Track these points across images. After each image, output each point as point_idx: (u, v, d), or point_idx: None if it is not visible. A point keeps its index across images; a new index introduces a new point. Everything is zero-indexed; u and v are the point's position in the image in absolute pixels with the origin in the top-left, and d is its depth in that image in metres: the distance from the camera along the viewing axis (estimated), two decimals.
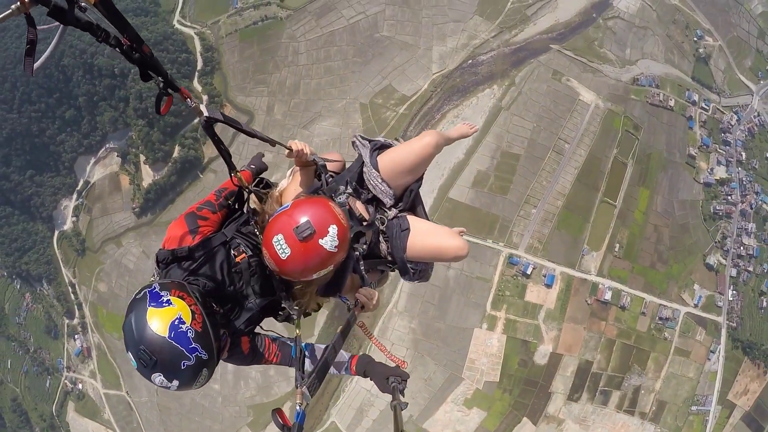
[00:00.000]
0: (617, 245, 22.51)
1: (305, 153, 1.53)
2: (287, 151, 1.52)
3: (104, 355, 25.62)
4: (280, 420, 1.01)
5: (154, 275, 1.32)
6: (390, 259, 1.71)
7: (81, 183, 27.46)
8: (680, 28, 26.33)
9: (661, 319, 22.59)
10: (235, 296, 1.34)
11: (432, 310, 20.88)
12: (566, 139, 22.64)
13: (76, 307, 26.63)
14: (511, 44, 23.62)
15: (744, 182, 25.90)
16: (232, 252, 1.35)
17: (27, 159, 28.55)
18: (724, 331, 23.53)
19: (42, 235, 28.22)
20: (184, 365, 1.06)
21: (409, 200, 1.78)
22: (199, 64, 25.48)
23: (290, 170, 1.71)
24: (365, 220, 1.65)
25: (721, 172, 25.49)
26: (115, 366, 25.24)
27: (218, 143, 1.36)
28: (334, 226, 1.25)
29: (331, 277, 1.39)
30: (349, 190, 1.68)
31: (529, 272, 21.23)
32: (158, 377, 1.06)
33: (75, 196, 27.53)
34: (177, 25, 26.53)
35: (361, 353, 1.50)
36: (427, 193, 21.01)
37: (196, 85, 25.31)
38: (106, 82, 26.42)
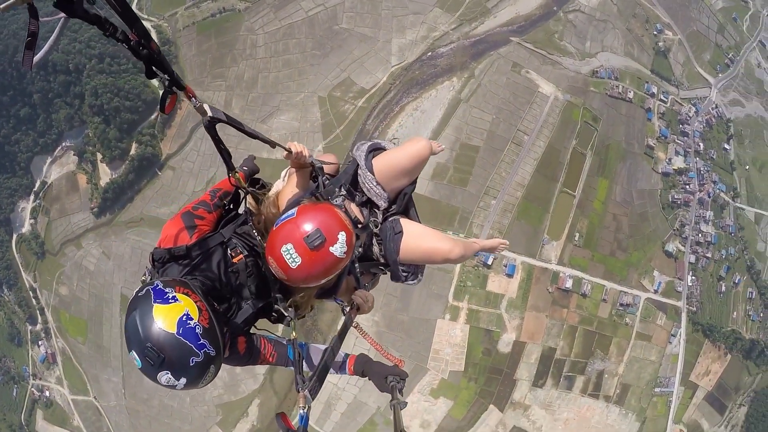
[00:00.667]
0: (577, 234, 23.09)
1: (304, 155, 1.54)
2: (285, 152, 1.53)
3: (69, 361, 25.00)
4: (284, 424, 1.00)
5: (145, 274, 1.29)
6: (383, 261, 1.73)
7: (38, 183, 26.43)
8: (640, 21, 26.89)
9: (621, 305, 23.34)
10: (232, 296, 1.33)
11: (394, 303, 21.08)
12: (525, 131, 22.90)
13: (38, 312, 25.83)
14: (471, 37, 23.62)
15: (702, 172, 26.80)
16: (230, 252, 1.34)
17: None
18: (684, 315, 24.51)
19: (0, 239, 27.21)
20: (192, 362, 1.02)
21: (403, 203, 1.79)
22: None
23: (285, 171, 1.70)
24: (360, 223, 1.65)
25: (679, 162, 26.31)
26: (81, 371, 24.65)
27: (219, 143, 1.35)
28: (343, 233, 1.26)
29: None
30: (343, 192, 1.68)
31: (489, 263, 21.62)
32: (165, 375, 1.02)
33: (32, 197, 26.50)
34: None
35: (358, 353, 1.49)
36: None
37: (153, 81, 24.48)
38: (60, 78, 25.40)
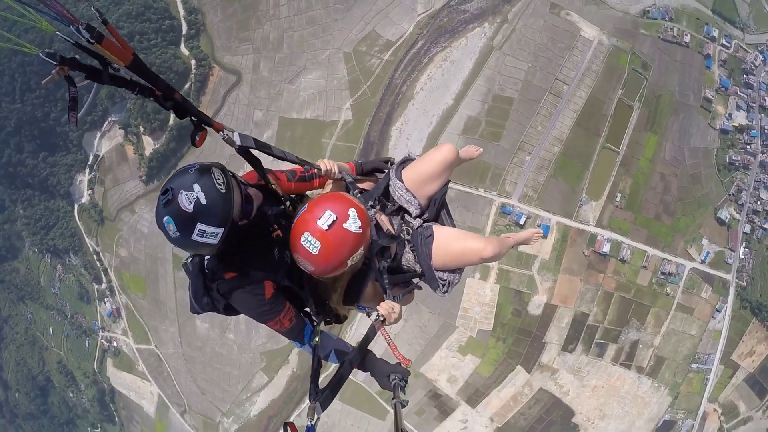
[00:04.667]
0: (619, 195, 21.46)
1: (334, 172, 1.69)
2: (315, 169, 1.68)
3: (132, 314, 28.08)
4: None
5: None
6: (419, 270, 1.79)
7: (91, 157, 28.67)
8: None
9: (663, 273, 21.85)
10: (262, 238, 1.39)
11: None
12: (565, 80, 21.04)
13: (102, 273, 28.87)
14: None
15: (766, 130, 23.57)
16: (271, 227, 1.44)
17: (38, 143, 29.82)
18: (732, 290, 22.57)
19: (63, 211, 30.19)
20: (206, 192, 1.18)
21: (434, 209, 1.86)
22: (184, 29, 25.18)
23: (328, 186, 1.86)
24: (391, 234, 1.73)
25: (740, 118, 23.18)
26: (142, 323, 27.63)
27: (255, 165, 1.49)
28: (353, 209, 1.34)
29: (351, 284, 1.50)
30: (374, 203, 1.79)
31: (522, 222, 20.84)
32: (187, 195, 1.17)
33: (87, 170, 28.91)
34: None
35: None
36: (417, 142, 20.56)
37: (183, 50, 25.12)
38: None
